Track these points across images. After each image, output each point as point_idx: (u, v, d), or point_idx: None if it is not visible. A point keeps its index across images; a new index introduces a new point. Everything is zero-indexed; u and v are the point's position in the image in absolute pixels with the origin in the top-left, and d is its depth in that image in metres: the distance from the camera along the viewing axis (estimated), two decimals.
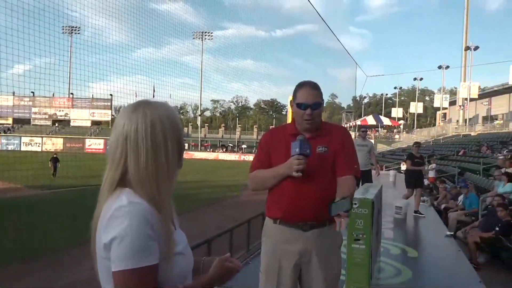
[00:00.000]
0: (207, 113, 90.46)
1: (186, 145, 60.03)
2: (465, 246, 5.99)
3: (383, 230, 6.19)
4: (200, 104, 72.15)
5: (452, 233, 6.39)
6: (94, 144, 55.98)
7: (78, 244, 8.28)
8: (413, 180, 7.69)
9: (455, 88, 60.21)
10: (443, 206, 9.16)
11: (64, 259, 7.40)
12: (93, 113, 62.70)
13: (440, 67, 53.78)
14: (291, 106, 2.11)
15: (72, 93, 61.20)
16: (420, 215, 7.33)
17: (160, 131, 1.04)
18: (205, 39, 64.76)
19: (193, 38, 64.78)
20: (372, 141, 45.76)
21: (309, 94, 2.01)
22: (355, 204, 2.95)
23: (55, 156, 23.18)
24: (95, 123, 62.71)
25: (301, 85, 2.07)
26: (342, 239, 2.19)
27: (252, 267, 4.02)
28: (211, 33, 65.29)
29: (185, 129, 68.32)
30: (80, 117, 62.14)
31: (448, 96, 55.98)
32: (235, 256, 6.63)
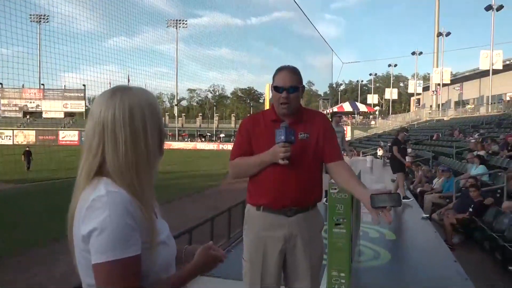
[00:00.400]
0: (184, 103, 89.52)
1: None
2: (440, 228, 6.17)
3: (362, 214, 6.32)
4: (177, 94, 71.38)
5: (428, 215, 6.56)
6: (68, 136, 54.67)
7: (54, 238, 8.13)
8: (400, 164, 7.80)
9: (428, 74, 61.51)
10: (418, 189, 9.38)
11: (42, 254, 7.25)
12: (66, 104, 61.07)
13: (413, 53, 54.72)
14: (271, 91, 2.10)
15: (43, 84, 59.47)
16: (407, 199, 7.41)
17: (139, 118, 0.99)
18: (180, 27, 63.77)
19: (167, 26, 63.68)
20: (349, 127, 46.49)
21: (286, 78, 2.00)
22: (335, 189, 2.99)
23: (27, 149, 22.65)
24: (68, 114, 61.15)
25: (280, 69, 2.06)
26: (323, 223, 2.20)
27: (234, 255, 4.03)
28: (186, 21, 64.36)
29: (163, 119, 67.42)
30: (53, 109, 60.41)
31: (421, 82, 57.18)
32: (217, 244, 6.64)
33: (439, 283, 3.58)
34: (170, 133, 59.65)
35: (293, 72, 2.04)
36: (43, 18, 58.14)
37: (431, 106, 47.03)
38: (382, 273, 3.78)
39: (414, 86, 54.09)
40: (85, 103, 62.35)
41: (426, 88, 52.42)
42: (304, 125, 2.04)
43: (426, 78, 63.51)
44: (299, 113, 2.07)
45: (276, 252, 2.01)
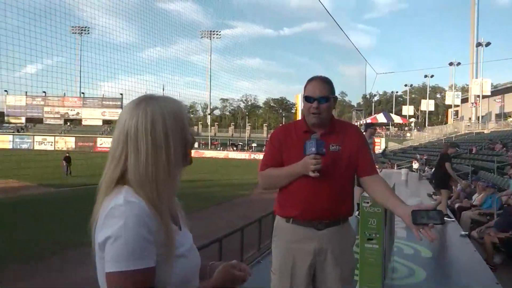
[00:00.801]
0: (217, 112, 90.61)
1: (196, 144, 60.09)
2: (480, 247, 5.86)
3: (396, 229, 6.11)
4: (210, 103, 72.40)
5: (467, 233, 6.26)
6: (105, 143, 56.33)
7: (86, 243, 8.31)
8: (446, 180, 7.46)
9: (466, 85, 59.44)
10: (456, 205, 9.00)
11: (73, 257, 7.45)
12: (104, 112, 63.25)
13: (451, 63, 53.16)
14: (302, 101, 2.08)
15: (83, 93, 62.09)
16: (449, 218, 7.07)
17: (161, 128, 0.98)
18: (213, 37, 64.91)
19: (201, 37, 64.98)
20: (383, 139, 45.53)
21: (316, 87, 1.97)
22: (368, 202, 2.89)
23: (67, 155, 23.54)
24: (106, 122, 63.21)
25: (311, 79, 2.03)
26: (355, 237, 2.14)
27: (263, 266, 3.98)
28: (219, 31, 65.49)
29: (195, 128, 68.60)
30: (91, 116, 62.71)
31: (459, 93, 55.31)
32: (247, 255, 6.60)
33: None
34: (203, 142, 60.48)
35: (325, 82, 2.00)
36: (84, 30, 60.83)
37: (470, 118, 45.34)
38: None
39: (451, 98, 52.40)
40: None
41: (464, 100, 50.70)
42: (335, 137, 1.99)
43: (464, 90, 61.40)
44: (331, 124, 2.02)
45: (305, 266, 1.96)
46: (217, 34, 65.37)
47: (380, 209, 2.86)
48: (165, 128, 0.99)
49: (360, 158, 2.01)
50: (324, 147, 1.85)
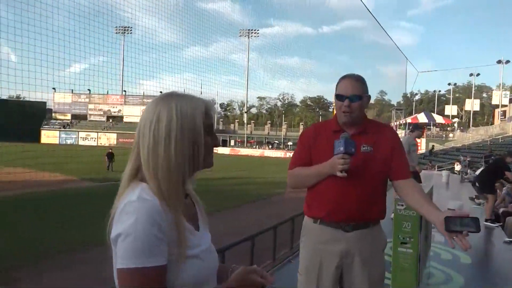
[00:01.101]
0: (254, 110, 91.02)
1: (232, 141, 60.90)
2: None
3: (433, 233, 5.90)
4: (246, 101, 72.76)
5: (511, 239, 5.95)
6: None
7: None
8: (493, 186, 7.15)
9: None
10: (501, 210, 8.57)
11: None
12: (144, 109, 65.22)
13: (499, 61, 50.62)
14: (334, 99, 2.03)
15: (125, 91, 64.10)
16: (493, 224, 6.76)
17: (164, 126, 0.98)
18: (252, 36, 65.14)
19: (240, 36, 65.38)
20: (424, 139, 43.97)
21: (348, 86, 1.92)
22: (402, 205, 2.81)
23: (110, 151, 24.25)
24: None
25: (343, 77, 1.98)
26: (386, 241, 2.07)
27: (294, 266, 3.96)
28: (257, 30, 65.64)
29: (232, 126, 69.21)
30: (132, 114, 64.62)
31: (508, 92, 52.51)
32: (278, 254, 6.59)
33: None
34: (239, 140, 60.90)
35: (357, 80, 1.94)
36: (127, 30, 62.78)
37: None
38: None
39: (499, 97, 49.87)
40: None
41: None
42: (368, 137, 1.93)
43: None
44: (363, 124, 1.97)
45: (332, 268, 1.92)
46: (255, 33, 65.58)
47: (415, 212, 2.77)
48: (169, 126, 0.98)
49: (394, 161, 1.94)
50: (353, 147, 1.80)
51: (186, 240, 0.97)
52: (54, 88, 57.55)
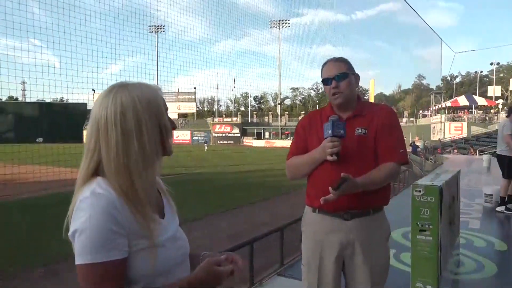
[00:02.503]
0: (287, 101, 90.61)
1: (267, 134, 60.96)
2: None
3: (468, 219, 5.65)
4: (280, 93, 72.42)
5: None
6: (182, 135, 59.34)
7: None
8: None
9: None
10: None
11: None
12: (179, 106, 66.28)
13: None
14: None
15: (160, 88, 65.51)
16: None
17: (132, 116, 0.96)
18: (282, 27, 64.62)
19: (270, 27, 65.01)
20: (465, 123, 42.04)
21: (331, 67, 1.87)
22: (419, 191, 2.69)
23: None
24: (181, 115, 66.26)
25: (324, 63, 1.93)
26: (389, 230, 2.00)
27: None
28: (288, 21, 65.05)
29: (266, 118, 69.22)
30: (168, 110, 66.01)
31: None
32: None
33: None
34: (273, 132, 60.83)
35: (339, 60, 1.90)
36: (160, 28, 63.97)
37: None
38: (483, 287, 3.31)
39: None
40: (196, 105, 66.93)
41: None
42: (363, 120, 1.86)
43: None
44: (358, 107, 1.89)
45: (332, 258, 1.86)
46: (286, 23, 64.98)
47: (434, 198, 2.65)
48: (137, 116, 0.97)
49: (381, 142, 1.83)
50: (342, 129, 1.74)
51: (150, 230, 0.97)
52: (93, 90, 59.67)
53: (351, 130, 1.80)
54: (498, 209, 6.23)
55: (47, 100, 62.66)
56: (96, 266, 0.89)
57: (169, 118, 1.06)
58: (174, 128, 1.08)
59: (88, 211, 0.91)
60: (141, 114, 0.97)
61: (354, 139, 1.80)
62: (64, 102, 70.83)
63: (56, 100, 70.09)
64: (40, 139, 54.67)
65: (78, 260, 0.91)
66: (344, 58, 1.93)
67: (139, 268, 0.95)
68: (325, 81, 1.89)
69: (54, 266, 6.56)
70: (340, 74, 1.85)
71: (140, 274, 0.96)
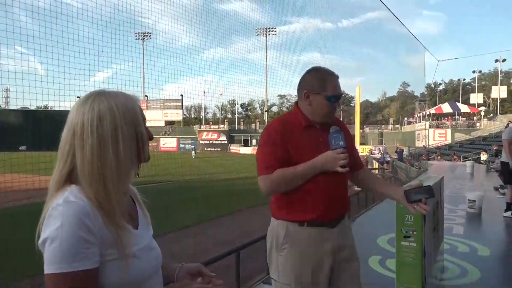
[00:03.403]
0: (274, 109, 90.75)
1: (254, 141, 61.06)
2: None
3: (452, 225, 5.74)
4: (267, 100, 72.68)
5: None
6: (168, 142, 58.99)
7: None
8: None
9: None
10: None
11: None
12: (166, 113, 65.96)
13: None
14: (305, 97, 1.86)
15: (146, 95, 65.11)
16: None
17: (108, 124, 0.95)
18: (269, 35, 65.05)
19: (257, 35, 65.39)
20: (449, 130, 42.80)
21: (338, 85, 1.87)
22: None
23: None
24: (168, 122, 65.92)
25: (330, 74, 1.86)
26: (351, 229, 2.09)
27: None
28: (274, 28, 65.50)
29: (253, 126, 69.31)
30: (154, 118, 65.57)
31: None
32: None
33: None
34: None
35: (338, 77, 1.91)
36: (146, 35, 63.75)
37: None
38: None
39: None
40: (183, 112, 66.69)
41: None
42: None
43: None
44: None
45: (326, 268, 1.84)
46: (273, 31, 65.44)
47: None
48: (114, 123, 0.96)
49: (355, 153, 2.03)
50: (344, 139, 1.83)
51: (123, 240, 0.96)
52: (78, 97, 58.86)
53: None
54: (505, 214, 6.36)
55: (31, 108, 61.83)
56: (66, 275, 0.87)
57: (146, 127, 1.05)
58: (151, 138, 1.07)
59: (59, 219, 0.89)
60: (118, 121, 0.97)
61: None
62: (49, 109, 69.81)
63: (41, 108, 69.03)
64: (24, 147, 53.68)
65: (47, 270, 0.88)
66: None
67: (111, 278, 0.93)
68: (332, 98, 1.83)
69: (41, 276, 6.44)
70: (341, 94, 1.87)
71: (112, 284, 0.94)
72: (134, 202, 1.12)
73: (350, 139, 1.98)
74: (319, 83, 1.84)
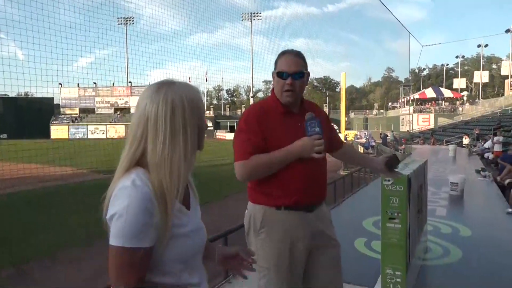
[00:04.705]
0: (260, 94, 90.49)
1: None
2: None
3: (435, 207, 5.87)
4: (252, 86, 72.36)
5: None
6: None
7: None
8: None
9: None
10: (507, 181, 8.48)
11: None
12: None
13: (508, 30, 49.42)
14: (273, 79, 1.90)
15: (130, 82, 64.12)
16: None
17: (180, 114, 1.05)
18: (254, 19, 64.41)
19: (242, 20, 64.66)
20: (432, 114, 43.37)
21: (290, 62, 1.81)
22: (389, 180, 2.77)
23: None
24: None
25: (283, 53, 1.87)
26: (330, 213, 2.09)
27: None
28: (260, 13, 64.83)
29: (238, 111, 69.10)
30: None
31: None
32: None
33: None
34: None
35: (298, 56, 1.85)
36: (129, 20, 62.47)
37: None
38: (449, 272, 3.46)
39: (508, 67, 48.87)
40: None
41: None
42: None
43: None
44: (303, 103, 1.93)
45: (304, 252, 1.86)
46: (258, 16, 64.78)
47: (402, 187, 2.74)
48: (184, 114, 1.05)
49: (333, 136, 2.08)
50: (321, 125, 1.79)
51: (178, 221, 1.07)
52: (60, 84, 57.91)
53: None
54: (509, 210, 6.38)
55: (11, 94, 60.37)
56: (125, 249, 0.98)
57: (205, 118, 1.16)
58: (206, 128, 1.16)
59: (127, 200, 0.98)
60: (187, 113, 1.06)
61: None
62: (30, 96, 68.32)
63: (21, 94, 67.54)
64: (4, 135, 52.55)
65: (112, 242, 0.99)
66: (302, 54, 1.88)
67: (165, 255, 1.04)
68: (281, 75, 1.82)
69: (24, 266, 6.40)
70: (299, 73, 1.82)
71: (165, 261, 1.05)
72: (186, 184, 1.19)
73: (326, 120, 2.02)
74: (276, 62, 1.88)
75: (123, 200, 0.99)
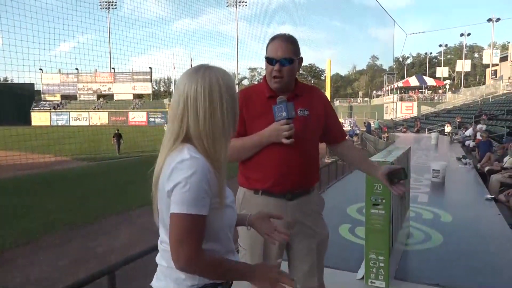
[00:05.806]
0: (245, 82, 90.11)
1: None
2: (508, 210, 5.67)
3: (417, 194, 6.00)
4: (237, 73, 71.90)
5: (493, 196, 6.06)
6: (137, 116, 57.71)
7: (117, 211, 8.73)
8: None
9: (508, 42, 56.05)
10: (486, 168, 8.69)
11: (103, 226, 7.81)
12: (134, 86, 64.07)
13: (489, 20, 50.06)
14: (265, 65, 1.87)
15: (113, 68, 63.01)
16: None
17: (217, 92, 1.12)
18: (240, 5, 63.71)
19: (227, 6, 63.91)
20: (415, 103, 43.88)
21: (279, 48, 1.77)
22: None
23: (117, 132, 21.43)
24: (137, 96, 64.18)
25: (273, 38, 1.82)
26: (324, 204, 2.02)
27: None
28: None
29: None
30: (123, 91, 63.66)
31: (498, 51, 52.22)
32: None
33: (498, 272, 3.29)
34: None
35: (288, 41, 1.80)
36: (112, 4, 61.12)
37: (510, 77, 42.93)
38: (430, 256, 3.55)
39: (490, 56, 49.59)
40: (152, 85, 64.98)
41: (504, 58, 47.73)
42: (302, 100, 1.85)
43: (505, 48, 57.88)
44: (296, 88, 1.88)
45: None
46: (243, 2, 64.07)
47: None
48: (221, 93, 1.13)
49: (331, 124, 1.93)
50: (293, 110, 1.74)
51: (225, 193, 1.17)
52: (41, 69, 56.55)
53: (295, 109, 1.77)
54: None
55: None
56: (189, 216, 1.06)
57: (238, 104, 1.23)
58: (237, 113, 1.23)
59: (190, 170, 1.06)
60: (223, 93, 1.13)
61: (298, 120, 1.79)
62: (9, 82, 66.55)
63: (0, 80, 65.74)
64: None
65: (176, 209, 1.06)
66: (293, 39, 1.83)
67: (212, 223, 1.12)
68: (269, 60, 1.79)
69: (6, 253, 6.35)
70: (287, 59, 1.77)
71: (211, 229, 1.13)
72: None
73: (324, 107, 1.92)
74: (267, 46, 1.85)
75: (186, 170, 1.05)
